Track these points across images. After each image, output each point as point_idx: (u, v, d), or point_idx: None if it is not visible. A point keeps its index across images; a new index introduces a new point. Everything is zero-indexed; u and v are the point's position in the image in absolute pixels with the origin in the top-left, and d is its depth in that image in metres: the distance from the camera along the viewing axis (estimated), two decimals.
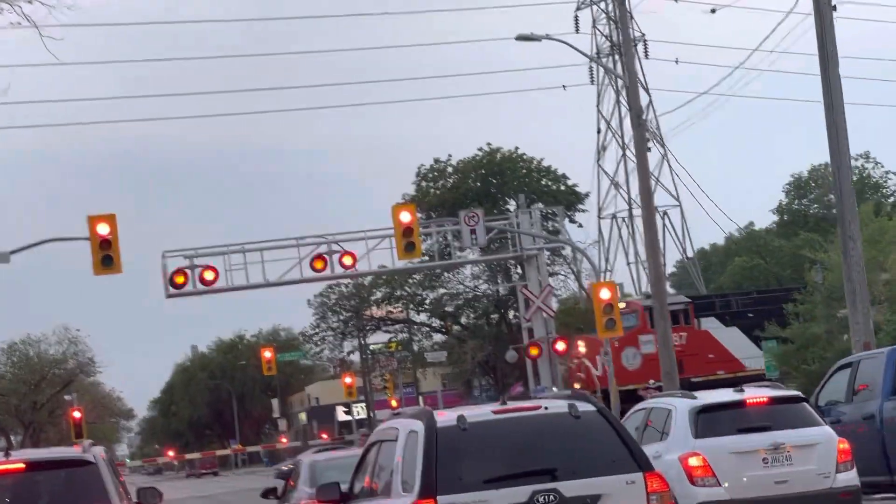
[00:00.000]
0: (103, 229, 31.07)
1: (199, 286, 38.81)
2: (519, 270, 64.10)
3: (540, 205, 50.67)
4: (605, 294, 35.58)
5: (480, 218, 35.68)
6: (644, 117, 62.60)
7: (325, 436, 71.17)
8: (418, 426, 9.64)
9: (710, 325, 48.06)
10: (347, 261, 39.01)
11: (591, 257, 65.27)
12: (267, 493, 18.20)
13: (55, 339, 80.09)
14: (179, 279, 38.31)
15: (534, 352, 41.16)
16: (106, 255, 31.18)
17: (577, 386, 45.99)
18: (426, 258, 50.81)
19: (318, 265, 39.01)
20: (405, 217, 34.86)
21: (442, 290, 66.68)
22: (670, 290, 57.33)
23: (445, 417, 9.69)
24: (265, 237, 40.75)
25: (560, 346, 41.48)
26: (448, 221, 42.73)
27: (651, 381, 39.65)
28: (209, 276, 38.36)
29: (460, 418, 9.56)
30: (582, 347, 46.44)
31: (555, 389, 42.51)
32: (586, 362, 45.44)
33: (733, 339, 47.85)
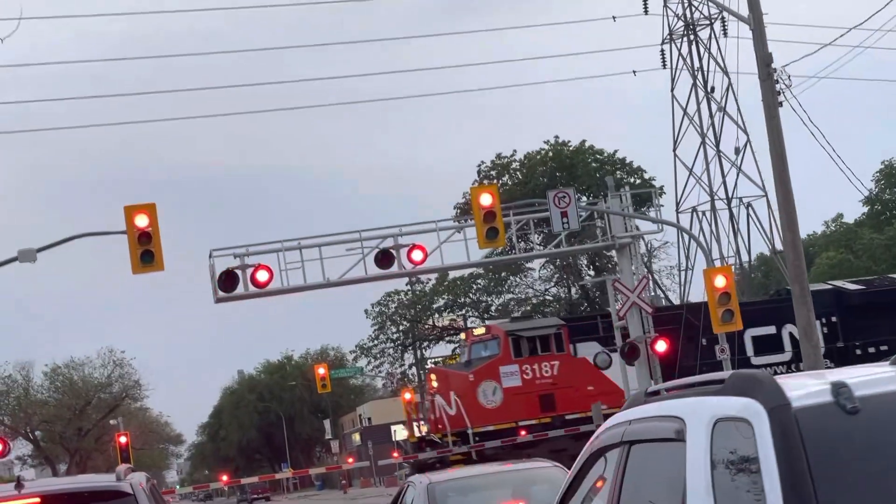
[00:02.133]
0: (142, 221, 27.42)
1: (252, 288, 34.21)
2: (591, 272, 59.67)
3: (627, 189, 45.67)
4: (720, 281, 30.75)
5: (572, 198, 30.86)
6: (723, 100, 58.13)
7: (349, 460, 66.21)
8: (749, 409, 4.75)
9: (590, 350, 40.54)
10: (417, 256, 34.47)
11: (671, 253, 61.43)
12: None
13: (100, 363, 77.36)
14: (229, 281, 33.75)
15: (631, 354, 36.18)
16: (146, 251, 27.56)
17: (423, 429, 40.62)
18: (500, 252, 45.79)
19: (384, 262, 34.47)
20: (486, 199, 30.54)
21: (509, 296, 62.26)
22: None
23: (802, 390, 4.78)
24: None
25: (660, 345, 36.44)
26: (527, 210, 37.84)
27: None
28: (262, 276, 33.81)
29: (839, 389, 4.67)
30: (434, 382, 40.81)
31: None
32: (439, 399, 39.69)
33: (617, 368, 39.88)
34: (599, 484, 6.30)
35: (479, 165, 62.25)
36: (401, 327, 64.44)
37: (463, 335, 42.20)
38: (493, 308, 62.56)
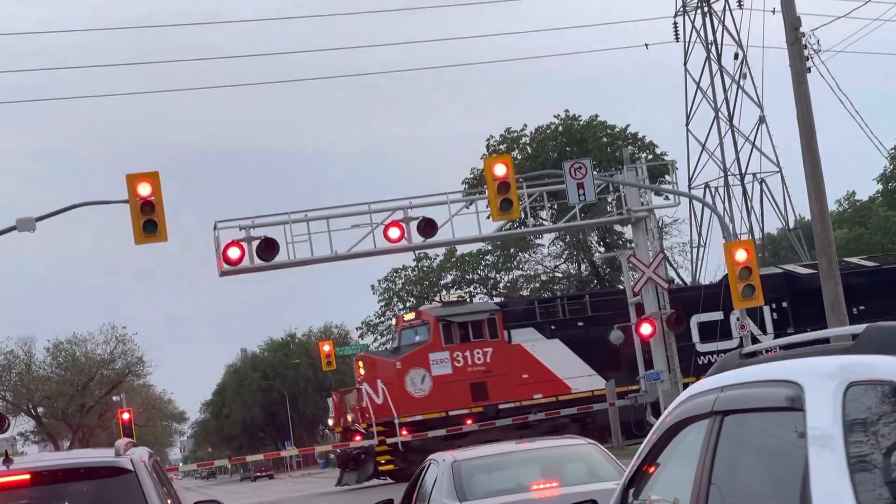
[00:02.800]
0: (145, 190, 26.63)
1: (257, 261, 33.36)
2: (601, 249, 58.73)
3: (644, 161, 44.69)
4: (741, 255, 29.83)
5: (589, 169, 29.84)
6: (737, 74, 57.02)
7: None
8: None
9: (527, 336, 38.90)
10: (427, 228, 33.63)
11: (682, 230, 60.64)
12: None
13: (102, 339, 76.40)
14: (234, 253, 32.88)
15: (645, 330, 35.21)
16: (149, 220, 26.88)
17: (348, 418, 38.90)
18: (512, 227, 44.82)
19: (394, 234, 33.67)
20: (500, 170, 29.59)
21: (518, 273, 61.36)
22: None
23: None
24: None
25: (676, 324, 35.52)
26: (539, 182, 36.86)
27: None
28: (268, 249, 32.94)
29: None
30: (362, 369, 39.25)
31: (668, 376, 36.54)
32: (366, 388, 38.14)
33: (556, 355, 38.80)
34: (682, 462, 5.37)
35: (489, 140, 61.37)
36: (408, 304, 63.61)
37: (394, 320, 40.65)
38: (501, 285, 61.76)
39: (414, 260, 62.58)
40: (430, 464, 11.93)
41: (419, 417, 37.39)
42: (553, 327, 39.32)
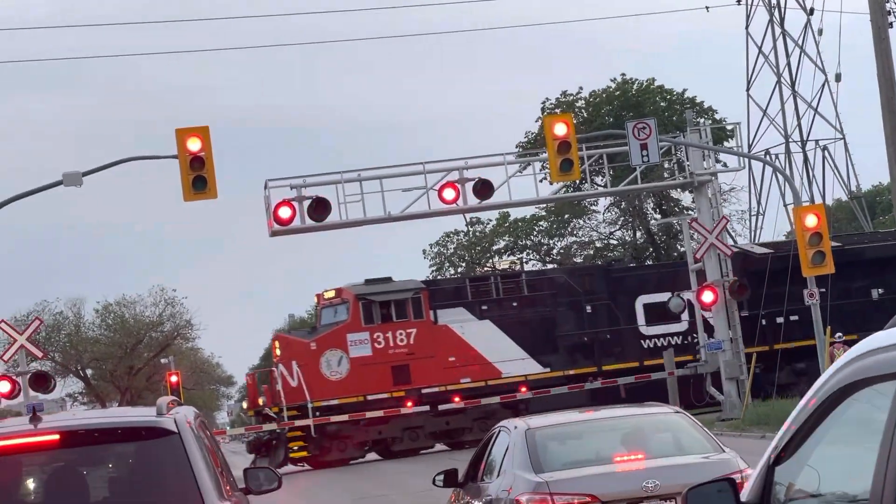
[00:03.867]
0: (194, 145, 25.97)
1: (308, 221, 32.62)
2: (657, 216, 57.48)
3: (707, 123, 43.31)
4: (811, 221, 28.66)
5: (653, 129, 28.71)
6: (801, 38, 55.39)
7: None
8: None
9: (455, 317, 36.73)
10: (484, 190, 32.93)
11: (740, 198, 59.02)
12: (449, 479, 11.43)
13: (151, 301, 76.22)
14: (285, 213, 32.17)
15: (707, 297, 34.05)
16: (198, 177, 26.28)
17: (259, 402, 36.94)
18: (569, 189, 43.73)
19: (449, 195, 32.88)
20: (560, 129, 28.77)
21: (571, 239, 60.22)
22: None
23: None
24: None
25: (740, 291, 34.35)
26: (597, 145, 35.76)
27: (839, 335, 32.14)
28: (320, 208, 32.21)
29: None
30: (278, 349, 37.30)
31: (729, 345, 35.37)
32: (281, 369, 36.10)
33: (485, 337, 36.65)
34: (849, 436, 4.35)
35: (543, 103, 60.21)
36: (459, 269, 62.75)
37: (315, 297, 38.53)
38: (554, 251, 60.73)
39: (466, 225, 61.62)
40: (499, 431, 11.00)
41: (335, 402, 35.27)
42: (484, 308, 37.04)
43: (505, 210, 55.44)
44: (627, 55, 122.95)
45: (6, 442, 6.69)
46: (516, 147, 58.09)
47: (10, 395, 29.24)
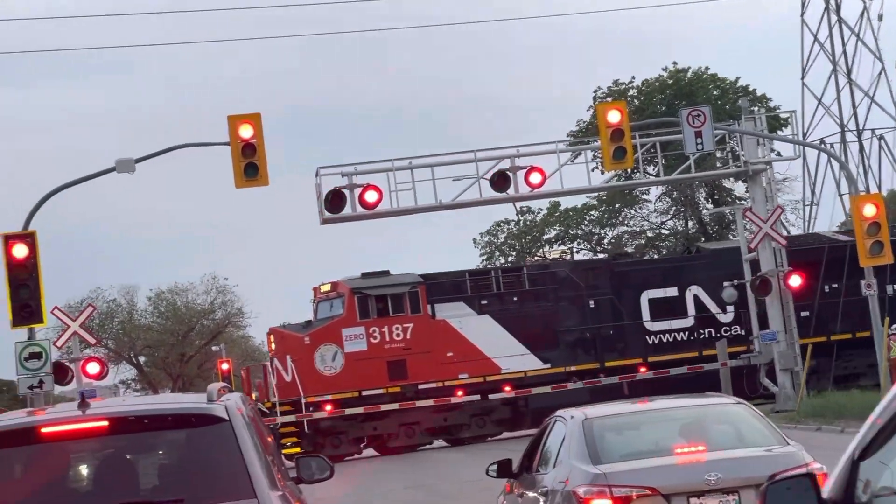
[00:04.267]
0: (246, 132, 26.03)
1: (360, 209, 32.53)
2: (710, 205, 56.94)
3: (762, 111, 42.73)
4: (869, 210, 28.19)
5: (708, 117, 28.30)
6: (857, 26, 54.55)
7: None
8: None
9: (453, 312, 35.84)
10: (535, 178, 32.71)
11: (794, 187, 58.56)
12: (502, 469, 11.21)
13: (202, 289, 76.68)
14: (336, 200, 32.21)
15: (795, 282, 33.37)
16: (250, 164, 26.40)
17: (252, 396, 35.87)
18: (621, 178, 43.15)
19: (500, 184, 32.86)
20: (614, 117, 28.46)
21: (623, 229, 59.76)
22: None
23: None
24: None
25: (795, 280, 33.84)
26: (650, 133, 35.35)
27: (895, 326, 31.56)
28: (371, 196, 32.33)
29: None
30: (273, 344, 36.68)
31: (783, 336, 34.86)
32: (276, 363, 35.48)
33: (486, 332, 35.75)
34: None
35: (595, 92, 59.77)
36: (509, 259, 62.58)
37: (312, 291, 37.93)
38: (605, 241, 60.29)
39: (517, 214, 61.34)
40: (555, 421, 10.73)
41: (328, 397, 34.70)
42: (484, 302, 36.22)
43: (556, 199, 55.21)
44: (679, 45, 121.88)
45: (54, 428, 6.57)
46: (567, 136, 57.72)
47: (100, 377, 29.44)
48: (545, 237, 61.27)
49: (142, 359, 78.39)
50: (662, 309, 36.73)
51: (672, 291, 36.43)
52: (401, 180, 32.93)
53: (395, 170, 32.97)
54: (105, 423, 6.60)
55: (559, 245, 60.17)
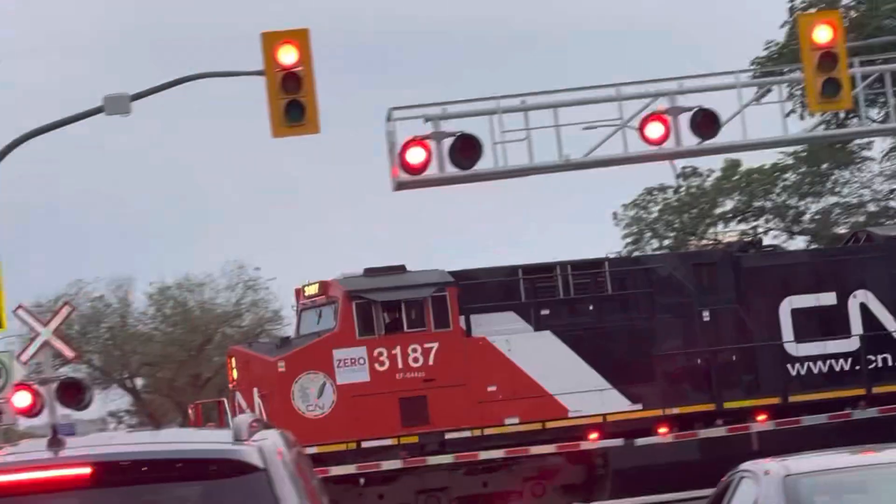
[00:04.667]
0: (288, 57, 26.56)
1: (450, 169, 32.95)
2: None
3: None
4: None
5: None
6: None
7: None
8: None
9: (498, 326, 35.00)
10: (706, 125, 32.91)
11: None
12: None
13: (225, 283, 77.29)
14: (416, 157, 32.59)
15: None
16: (293, 101, 26.75)
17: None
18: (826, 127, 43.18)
19: (654, 132, 32.95)
20: (823, 35, 29.17)
21: (832, 200, 59.82)
22: None
23: None
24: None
25: None
26: (876, 59, 35.27)
27: None
28: (467, 150, 32.55)
29: None
30: (234, 370, 35.91)
31: None
32: (237, 398, 34.89)
33: (544, 356, 34.95)
34: None
35: (792, 1, 59.77)
36: (665, 241, 63.26)
37: (294, 294, 36.46)
38: (806, 217, 60.50)
39: (677, 177, 61.72)
40: (739, 479, 10.97)
41: (312, 450, 32.13)
42: (544, 312, 35.51)
43: (735, 157, 55.08)
44: None
45: (9, 477, 6.62)
46: (752, 64, 57.82)
47: (31, 412, 30.02)
48: (718, 211, 61.70)
49: (139, 381, 79.69)
50: (813, 324, 36.32)
51: (828, 298, 36.01)
52: (509, 128, 33.19)
53: (502, 111, 33.19)
54: (87, 469, 6.67)
55: (738, 222, 60.72)
